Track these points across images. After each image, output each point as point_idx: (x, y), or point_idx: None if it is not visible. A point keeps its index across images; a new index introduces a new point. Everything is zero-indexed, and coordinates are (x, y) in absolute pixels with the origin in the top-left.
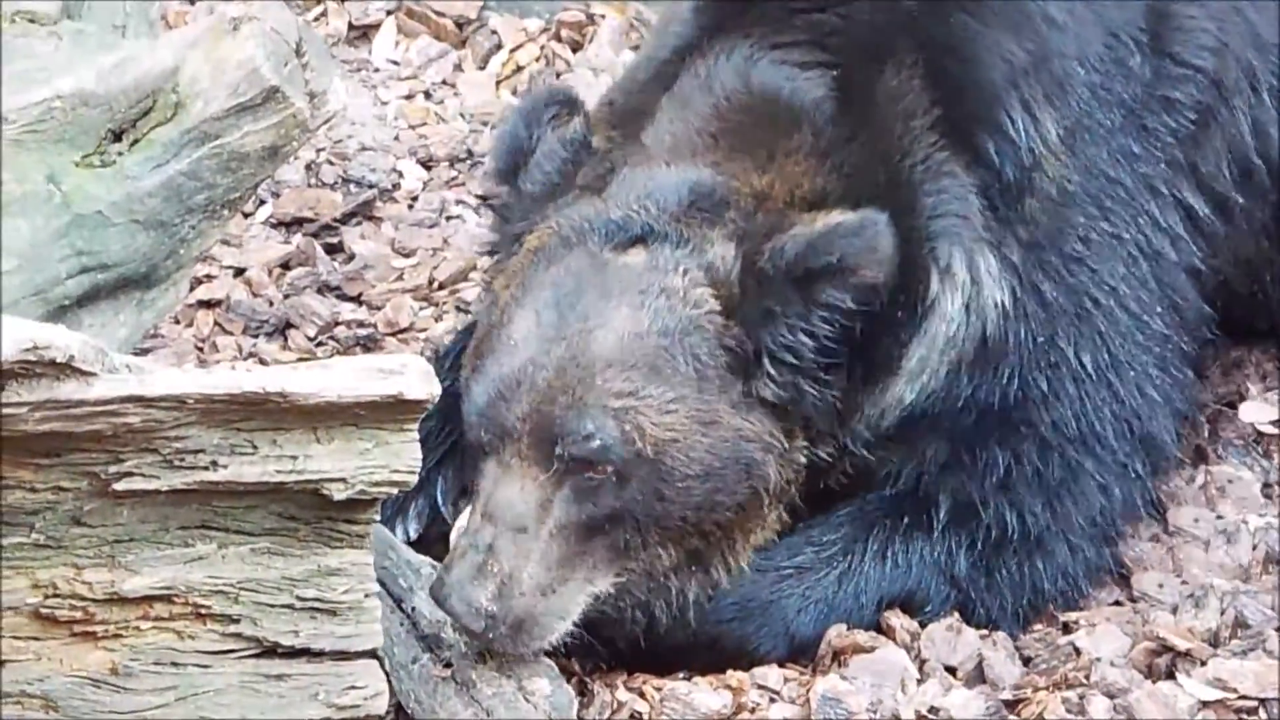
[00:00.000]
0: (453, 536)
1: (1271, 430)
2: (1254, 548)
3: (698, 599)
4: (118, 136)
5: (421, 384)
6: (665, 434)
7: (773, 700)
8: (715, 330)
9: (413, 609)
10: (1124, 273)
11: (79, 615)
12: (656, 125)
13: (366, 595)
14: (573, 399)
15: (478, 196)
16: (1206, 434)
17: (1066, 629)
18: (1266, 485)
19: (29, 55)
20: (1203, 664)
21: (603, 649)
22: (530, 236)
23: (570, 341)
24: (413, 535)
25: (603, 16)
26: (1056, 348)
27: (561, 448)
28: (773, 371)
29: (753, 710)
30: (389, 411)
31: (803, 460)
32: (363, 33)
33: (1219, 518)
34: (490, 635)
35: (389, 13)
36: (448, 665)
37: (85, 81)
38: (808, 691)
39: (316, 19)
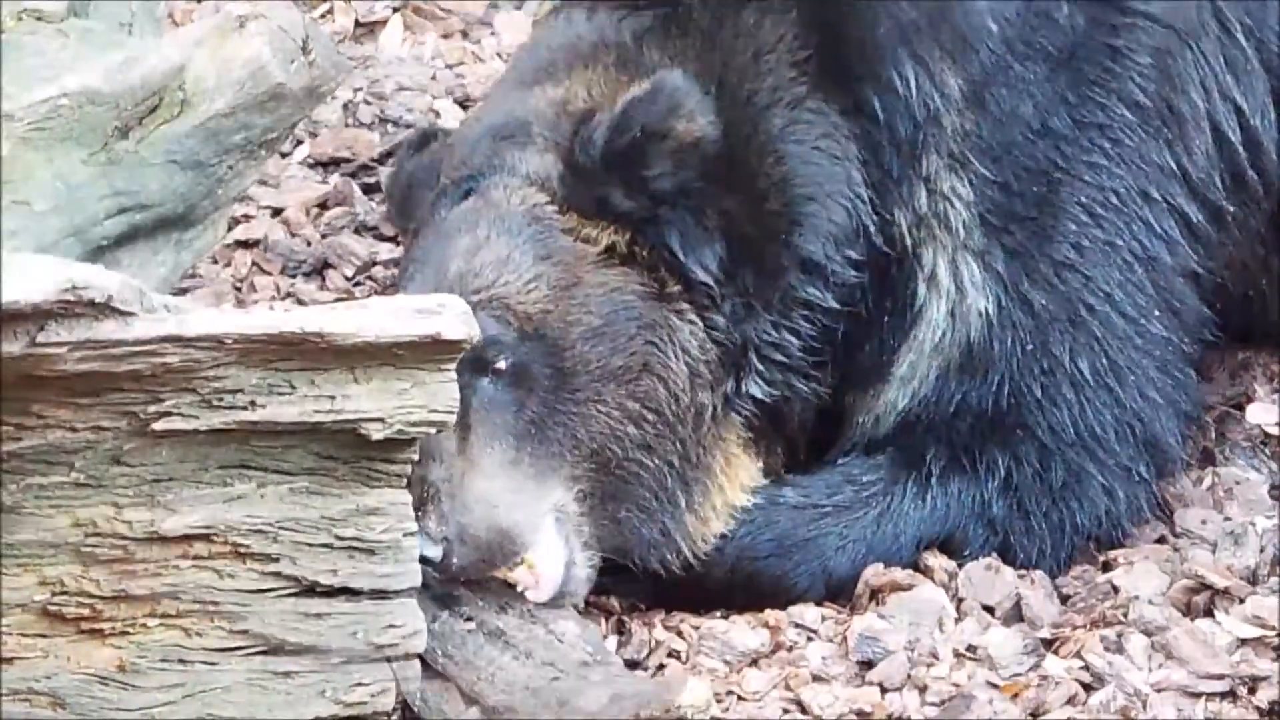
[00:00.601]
0: None
1: (1278, 432)
2: (1261, 550)
3: (709, 540)
4: (124, 134)
5: (459, 324)
6: (534, 307)
7: (810, 639)
8: (550, 218)
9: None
10: (1118, 274)
11: (86, 612)
12: (490, 100)
13: (405, 534)
14: None
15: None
16: (1213, 436)
17: (1105, 567)
18: (1274, 487)
19: (36, 53)
20: (1241, 601)
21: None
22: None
23: (434, 277)
24: None
25: None
26: (1050, 354)
27: None
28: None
29: (790, 649)
30: (426, 351)
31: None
32: (369, 29)
33: (1226, 519)
34: (455, 560)
35: (395, 10)
36: (469, 619)
37: (92, 79)
38: (845, 630)
39: (322, 16)
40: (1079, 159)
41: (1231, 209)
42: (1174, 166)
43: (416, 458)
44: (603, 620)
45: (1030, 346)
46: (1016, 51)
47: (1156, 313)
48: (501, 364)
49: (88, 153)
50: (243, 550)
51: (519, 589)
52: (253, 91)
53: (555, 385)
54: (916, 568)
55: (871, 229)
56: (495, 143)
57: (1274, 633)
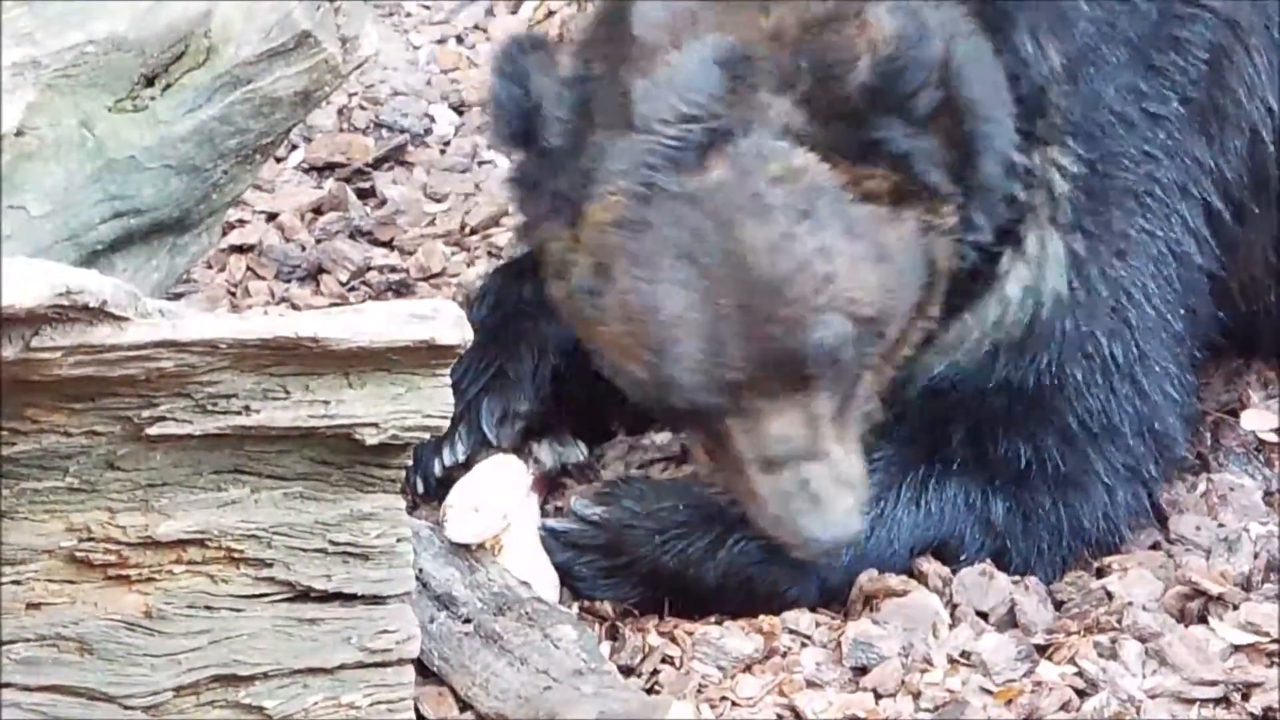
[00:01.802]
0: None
1: (1273, 438)
2: (1255, 556)
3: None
4: (150, 81)
5: (453, 329)
6: (861, 293)
7: (804, 644)
8: (832, 181)
9: (420, 570)
10: (1153, 266)
11: (113, 559)
12: (641, 16)
13: (399, 540)
14: (788, 325)
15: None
16: (1208, 442)
17: (1099, 573)
18: (1268, 493)
19: None
20: (1235, 608)
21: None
22: (593, 208)
23: (735, 281)
24: (461, 458)
25: None
26: (1094, 339)
27: (810, 367)
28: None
29: (784, 654)
30: (421, 356)
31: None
32: None
33: (1220, 526)
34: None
35: None
36: (466, 621)
37: (119, 26)
38: (839, 636)
39: None
40: (1140, 147)
41: (1256, 211)
42: (1211, 164)
43: (410, 463)
44: (596, 625)
45: (1082, 329)
46: (1103, 34)
47: (1181, 310)
48: (847, 353)
49: (114, 100)
50: (236, 555)
51: None
52: (279, 38)
53: (883, 359)
54: (910, 573)
55: (1019, 171)
56: (724, 84)
57: (1268, 639)
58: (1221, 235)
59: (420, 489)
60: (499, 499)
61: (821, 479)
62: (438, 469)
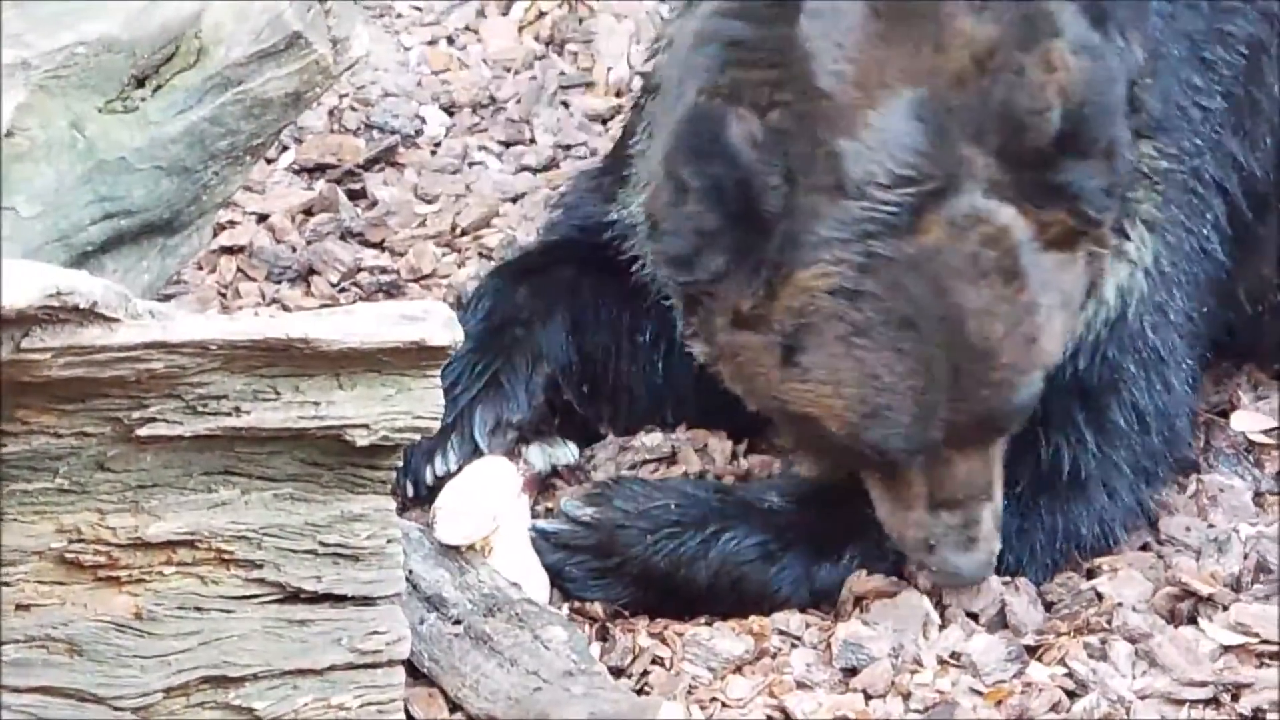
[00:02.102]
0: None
1: (1263, 439)
2: (1245, 557)
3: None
4: (141, 82)
5: (444, 330)
6: (1058, 343)
7: (794, 645)
8: (1028, 236)
9: (410, 571)
10: (1188, 263)
11: (103, 560)
12: (820, 65)
13: (389, 541)
14: (997, 388)
15: None
16: (1200, 443)
17: (1089, 574)
18: (1258, 494)
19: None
20: (1225, 609)
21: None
22: (804, 274)
23: (949, 347)
24: (453, 468)
25: None
26: (1148, 332)
27: (1007, 422)
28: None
29: (774, 655)
30: (411, 358)
31: None
32: None
33: (1210, 526)
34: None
35: None
36: (456, 622)
37: (110, 27)
38: (829, 637)
39: None
40: (1192, 142)
41: (1276, 206)
42: (1243, 160)
43: (400, 464)
44: (587, 626)
45: (1145, 321)
46: (1171, 29)
47: (1204, 307)
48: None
49: (104, 101)
50: (226, 557)
51: None
52: (270, 39)
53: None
54: (900, 574)
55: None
56: (930, 136)
57: (1258, 640)
58: (1239, 233)
59: (410, 493)
60: (489, 500)
61: (986, 521)
62: (429, 477)
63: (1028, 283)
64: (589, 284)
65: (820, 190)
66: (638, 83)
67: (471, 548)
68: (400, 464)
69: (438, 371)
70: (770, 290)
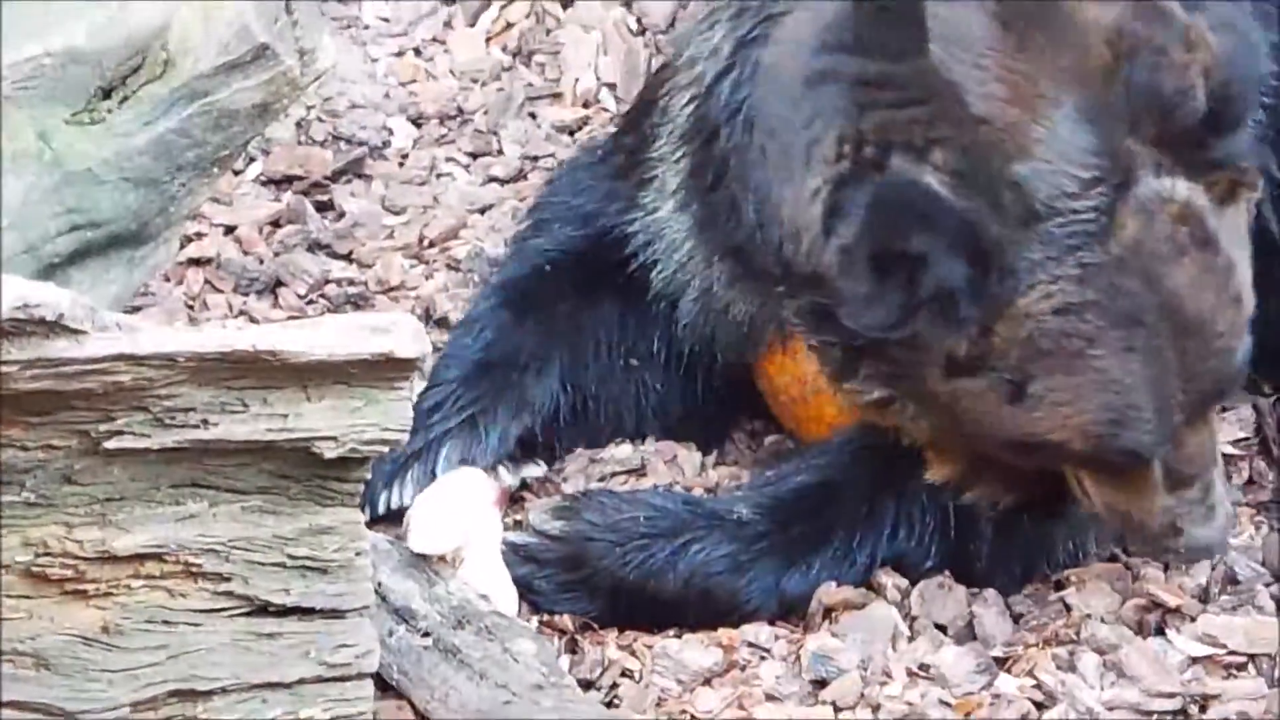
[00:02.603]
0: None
1: (1232, 450)
2: (1213, 568)
3: None
4: (107, 94)
5: (412, 342)
6: (1251, 295)
7: (763, 658)
8: (1207, 199)
9: (379, 583)
10: None
11: (70, 574)
12: (969, 92)
13: (358, 554)
14: (1221, 356)
15: None
16: None
17: (1057, 586)
18: None
19: (20, 10)
20: (1192, 620)
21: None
22: (1023, 302)
23: (1173, 330)
24: (408, 501)
25: None
26: None
27: (1229, 387)
28: None
29: (743, 668)
30: (380, 370)
31: None
32: None
33: None
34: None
35: None
36: (425, 635)
37: (76, 38)
38: (798, 649)
39: None
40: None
41: None
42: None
43: (369, 477)
44: (556, 639)
45: None
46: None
47: None
48: None
49: (71, 112)
50: (195, 570)
51: None
52: (236, 51)
53: None
54: (869, 585)
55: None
56: (1099, 137)
57: (1225, 651)
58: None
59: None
60: (462, 512)
61: (1218, 487)
62: (382, 505)
63: (1220, 246)
64: (592, 316)
65: (1014, 219)
66: (605, 93)
67: (443, 559)
68: (369, 476)
69: (406, 384)
70: (985, 330)
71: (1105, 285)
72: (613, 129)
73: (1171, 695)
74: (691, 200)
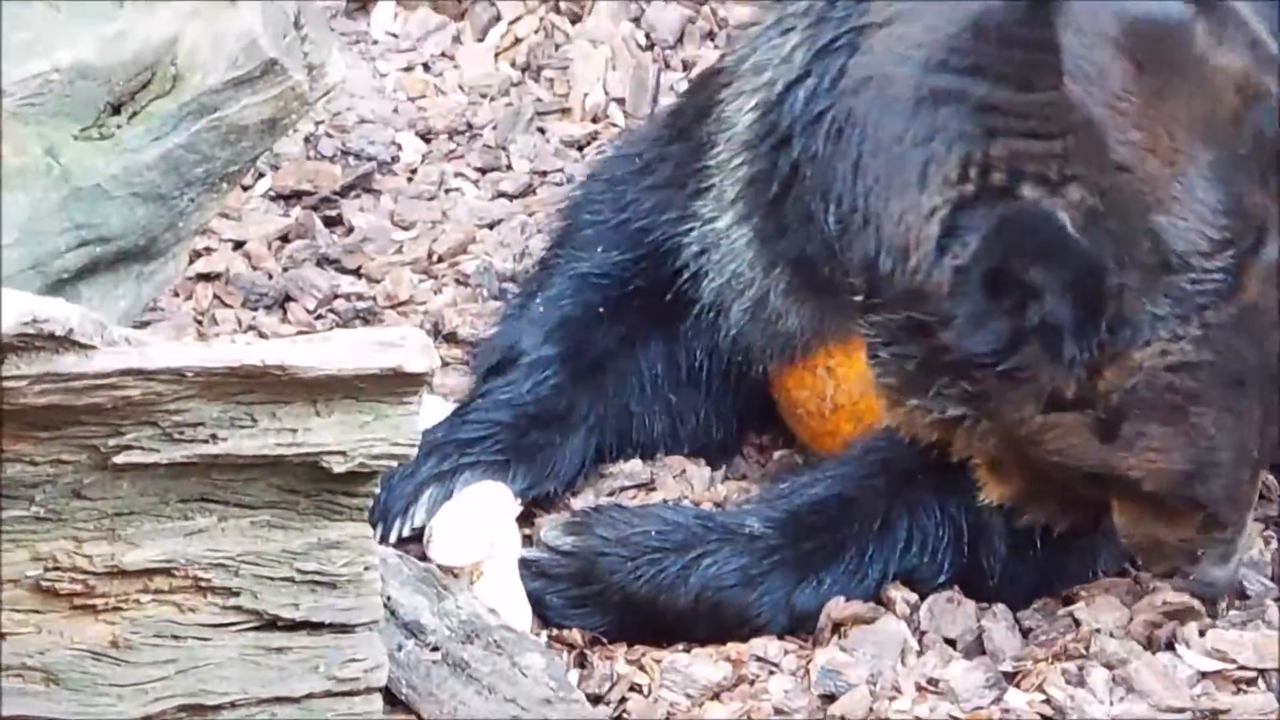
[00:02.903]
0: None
1: None
2: None
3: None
4: (116, 109)
5: (421, 357)
6: None
7: (772, 672)
8: None
9: (388, 598)
10: None
11: (79, 588)
12: (1113, 139)
13: (367, 568)
14: None
15: None
16: None
17: (1066, 600)
18: None
19: (28, 26)
20: (1202, 635)
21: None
22: (1138, 354)
23: (1267, 388)
24: (417, 524)
25: None
26: None
27: None
28: None
29: (752, 682)
30: (388, 384)
31: None
32: (361, 5)
33: None
34: None
35: None
36: (434, 649)
37: (84, 54)
38: (807, 663)
39: None
40: None
41: None
42: None
43: (378, 491)
44: (565, 653)
45: None
46: None
47: None
48: None
49: (80, 128)
50: (203, 584)
51: None
52: (245, 66)
53: None
54: (879, 600)
55: None
56: (1233, 196)
57: (1235, 666)
58: None
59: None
60: (484, 524)
61: (1245, 534)
62: (394, 535)
63: None
64: (643, 354)
65: (1146, 268)
66: (614, 108)
67: (454, 572)
68: (377, 490)
69: (415, 398)
70: (1094, 372)
71: (1222, 345)
72: (642, 138)
73: (1181, 710)
74: (753, 209)
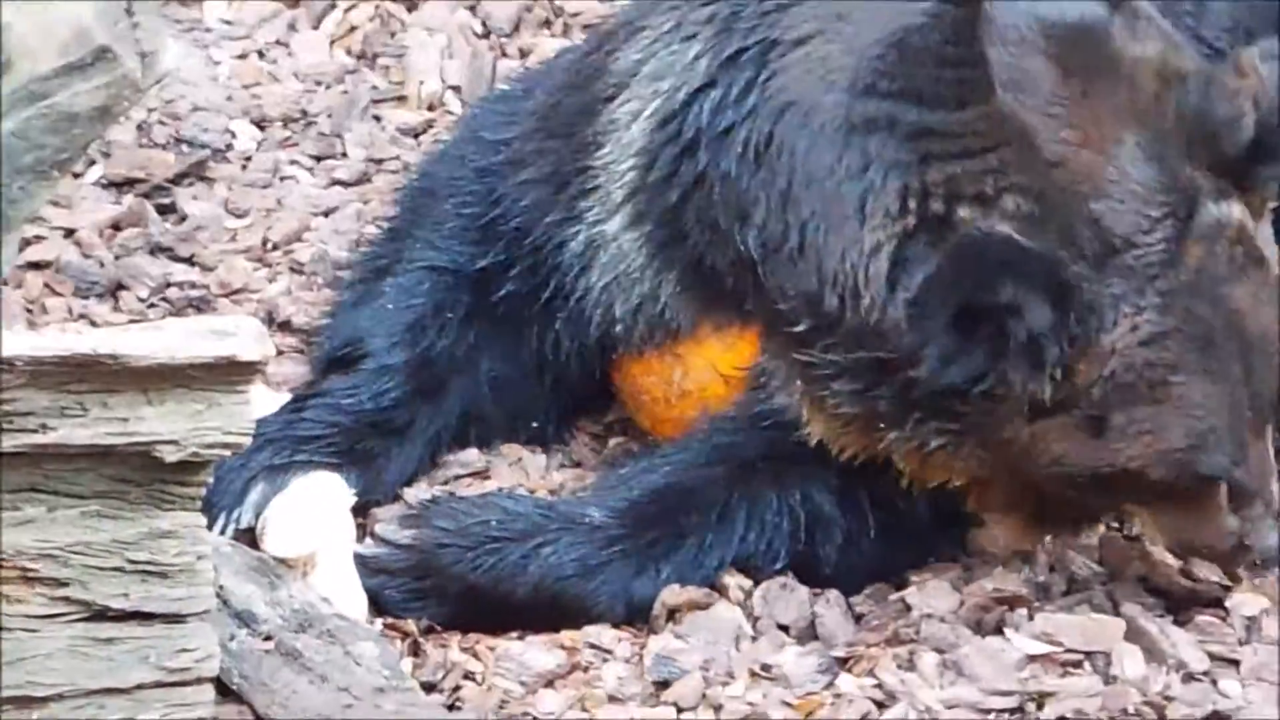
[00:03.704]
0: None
1: None
2: (1050, 568)
3: None
4: None
5: (255, 345)
6: None
7: (606, 659)
8: (1250, 218)
9: (221, 587)
10: None
11: None
12: (1037, 136)
13: (199, 557)
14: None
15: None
16: None
17: (897, 586)
18: None
19: None
20: (1030, 619)
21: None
22: (1107, 338)
23: (1240, 348)
24: (244, 524)
25: None
26: None
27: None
28: None
29: (586, 669)
30: (222, 373)
31: None
32: None
33: None
34: None
35: None
36: (267, 638)
37: None
38: (641, 650)
39: None
40: None
41: None
42: None
43: (211, 480)
44: (399, 642)
45: None
46: None
47: None
48: None
49: None
50: (31, 575)
51: None
52: (76, 53)
53: None
54: (713, 586)
55: None
56: (1161, 171)
57: (1062, 649)
58: None
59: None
60: (319, 515)
61: (1276, 496)
62: (221, 526)
63: (1270, 262)
64: (488, 353)
65: (1095, 255)
66: (450, 96)
67: (287, 562)
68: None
69: (248, 387)
70: (1069, 371)
71: (1182, 311)
72: (505, 124)
73: (1009, 693)
74: (645, 214)
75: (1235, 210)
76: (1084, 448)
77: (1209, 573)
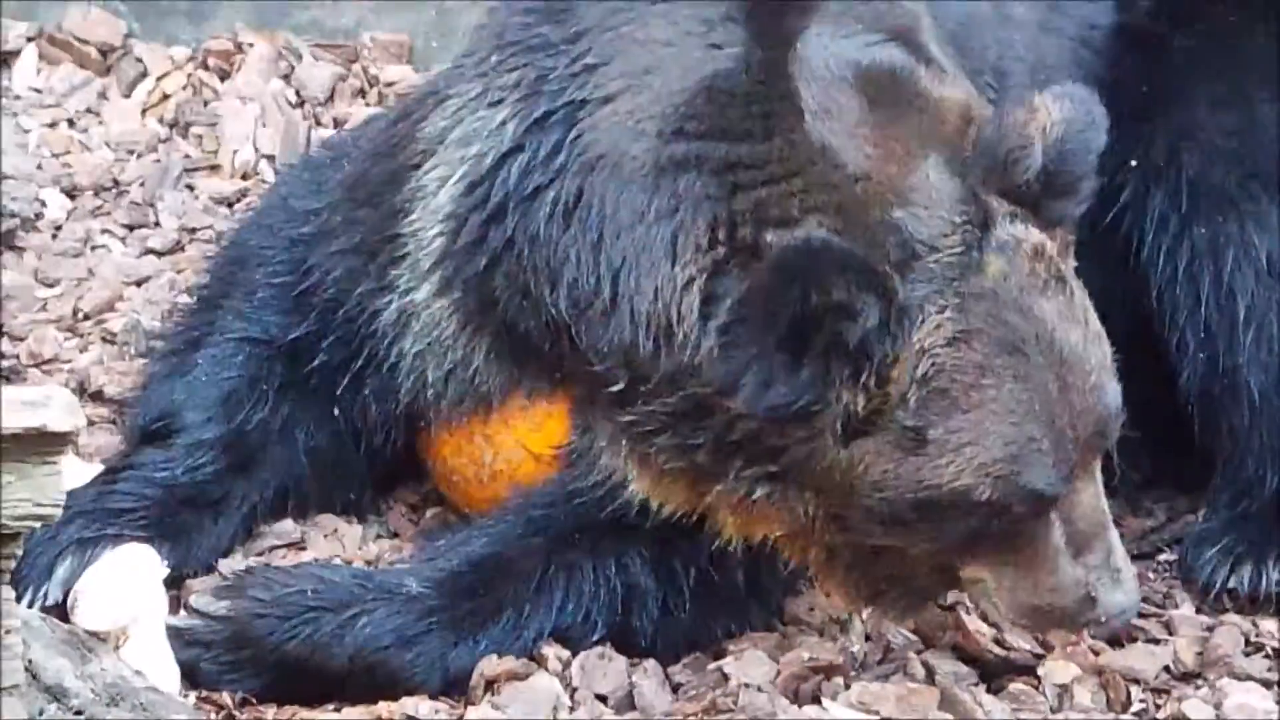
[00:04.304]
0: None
1: None
2: (867, 637)
3: None
4: None
5: (66, 416)
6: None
7: None
8: (1053, 248)
9: (30, 661)
10: None
11: None
12: (846, 161)
13: (8, 630)
14: (1097, 391)
15: None
16: None
17: (716, 655)
18: None
19: None
20: (847, 687)
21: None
22: (917, 336)
23: (1051, 360)
24: (51, 601)
25: (251, 45)
26: None
27: (1110, 432)
28: None
29: None
30: (32, 444)
31: None
32: (2, 60)
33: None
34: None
35: (30, 39)
36: (78, 713)
37: None
38: None
39: None
40: None
41: None
42: None
43: (20, 553)
44: (214, 714)
45: None
46: None
47: None
48: None
49: None
50: None
51: None
52: None
53: None
54: (531, 656)
55: None
56: (961, 186)
57: (878, 717)
58: None
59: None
60: (131, 588)
61: (1118, 547)
62: (29, 599)
63: (1074, 287)
64: (303, 423)
65: (898, 262)
66: (264, 164)
67: (100, 636)
68: (19, 552)
69: (59, 458)
70: (882, 380)
71: (984, 314)
72: (312, 193)
73: None
74: (454, 280)
75: (1032, 232)
76: (904, 467)
77: (1021, 641)
